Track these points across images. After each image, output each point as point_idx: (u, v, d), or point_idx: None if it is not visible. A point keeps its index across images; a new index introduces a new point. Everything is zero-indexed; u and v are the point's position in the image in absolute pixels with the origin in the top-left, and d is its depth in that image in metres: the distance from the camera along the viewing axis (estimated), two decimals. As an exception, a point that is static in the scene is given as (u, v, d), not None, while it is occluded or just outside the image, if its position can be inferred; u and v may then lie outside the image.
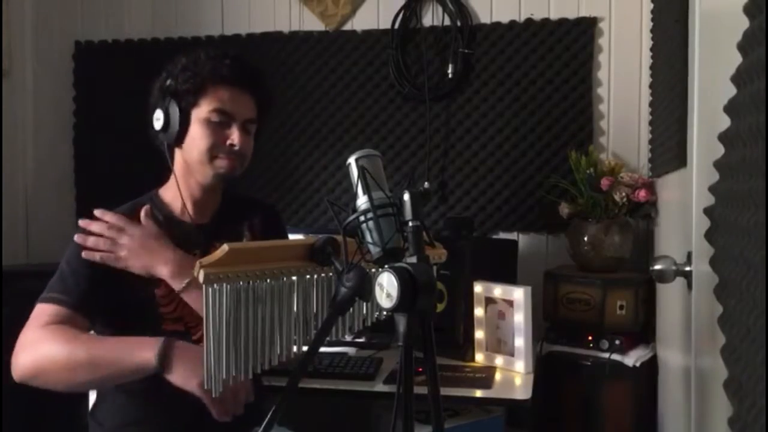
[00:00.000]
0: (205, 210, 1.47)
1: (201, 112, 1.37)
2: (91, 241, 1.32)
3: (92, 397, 1.51)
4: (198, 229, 1.44)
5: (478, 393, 1.73)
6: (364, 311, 1.17)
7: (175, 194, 1.44)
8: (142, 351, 1.19)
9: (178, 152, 1.43)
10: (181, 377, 1.17)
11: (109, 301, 1.33)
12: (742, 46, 0.73)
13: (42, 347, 1.23)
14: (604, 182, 2.04)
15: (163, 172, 1.47)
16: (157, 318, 1.35)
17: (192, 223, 1.44)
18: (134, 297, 1.34)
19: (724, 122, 0.81)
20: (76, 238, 1.34)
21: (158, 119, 1.38)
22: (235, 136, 1.38)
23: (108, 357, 1.21)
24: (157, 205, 1.45)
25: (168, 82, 1.38)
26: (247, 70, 1.43)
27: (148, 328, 1.31)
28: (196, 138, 1.38)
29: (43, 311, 1.30)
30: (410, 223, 0.92)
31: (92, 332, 1.34)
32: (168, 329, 1.34)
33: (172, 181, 1.46)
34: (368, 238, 0.93)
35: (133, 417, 1.36)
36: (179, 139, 1.38)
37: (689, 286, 1.25)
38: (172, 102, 1.36)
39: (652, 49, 2.08)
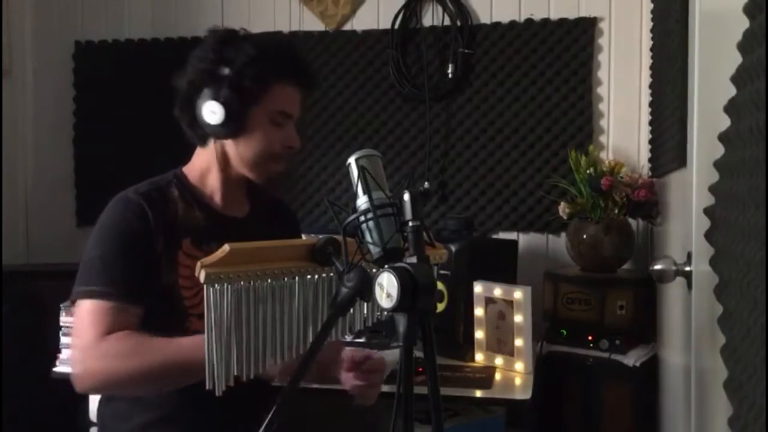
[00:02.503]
0: (233, 202, 1.41)
1: (265, 111, 1.30)
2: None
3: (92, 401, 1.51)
4: (239, 224, 1.38)
5: (478, 393, 1.73)
6: (365, 311, 1.17)
7: (200, 178, 1.38)
8: None
9: (221, 143, 1.34)
10: None
11: (147, 290, 1.27)
12: (742, 46, 0.73)
13: (108, 363, 1.18)
14: (604, 182, 2.04)
15: (183, 151, 1.41)
16: (182, 313, 1.29)
17: (229, 216, 1.38)
18: (159, 285, 1.28)
19: (724, 122, 0.81)
20: (108, 221, 1.28)
21: (214, 112, 1.26)
22: (294, 138, 1.35)
23: (179, 362, 1.15)
24: (185, 186, 1.37)
25: (227, 72, 1.26)
26: (309, 67, 1.39)
27: (173, 325, 1.26)
28: (257, 138, 1.31)
29: (94, 310, 1.22)
30: (410, 223, 0.91)
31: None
32: (192, 329, 1.26)
33: (195, 164, 1.39)
34: (368, 238, 0.93)
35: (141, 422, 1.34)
36: (235, 135, 1.31)
37: (689, 286, 1.25)
38: (233, 96, 1.25)
39: (652, 49, 2.08)
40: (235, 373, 0.98)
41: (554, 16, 2.35)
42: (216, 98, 1.26)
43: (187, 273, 1.29)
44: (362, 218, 0.94)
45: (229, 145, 1.34)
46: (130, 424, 1.33)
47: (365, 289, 0.93)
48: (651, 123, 2.07)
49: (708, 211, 0.95)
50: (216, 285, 0.95)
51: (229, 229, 1.33)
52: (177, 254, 1.30)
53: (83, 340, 1.21)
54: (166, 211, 1.32)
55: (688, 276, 1.25)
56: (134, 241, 1.26)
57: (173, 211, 1.33)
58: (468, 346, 1.97)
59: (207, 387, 0.95)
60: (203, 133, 1.33)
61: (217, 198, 1.38)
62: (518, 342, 1.86)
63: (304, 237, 1.63)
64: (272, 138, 1.33)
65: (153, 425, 1.32)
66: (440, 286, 1.97)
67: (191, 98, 1.30)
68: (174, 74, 1.33)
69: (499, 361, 1.91)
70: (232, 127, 1.28)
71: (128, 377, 1.18)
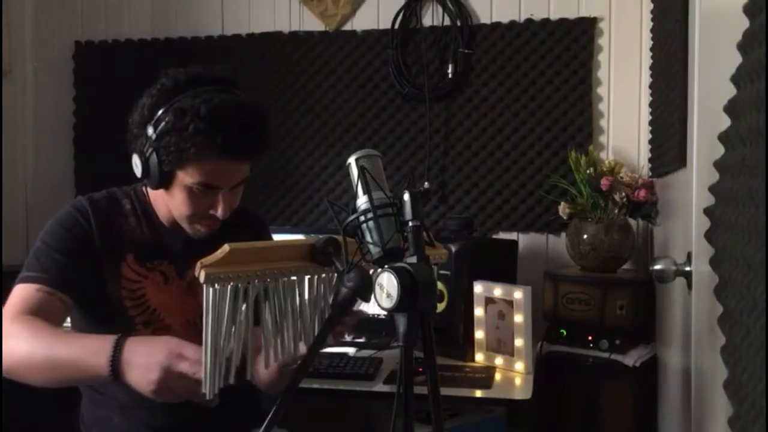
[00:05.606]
0: None
1: (184, 178, 1.22)
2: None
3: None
4: (189, 240, 1.33)
5: (478, 393, 1.73)
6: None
7: (155, 196, 1.35)
8: (96, 356, 1.03)
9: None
10: (134, 382, 1.01)
11: (84, 289, 1.25)
12: (742, 46, 0.73)
13: (9, 343, 1.10)
14: (604, 182, 2.04)
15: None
16: (128, 321, 1.28)
17: (179, 233, 1.33)
18: (104, 293, 1.27)
19: (724, 122, 0.81)
20: (54, 220, 1.28)
21: (137, 165, 1.23)
22: (219, 207, 1.25)
23: (64, 359, 1.06)
24: (140, 202, 1.36)
25: (151, 133, 1.20)
26: (246, 139, 1.21)
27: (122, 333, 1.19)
28: (177, 200, 1.26)
29: (20, 294, 1.19)
30: (410, 223, 0.91)
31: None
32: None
33: None
34: (368, 238, 0.93)
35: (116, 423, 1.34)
36: (158, 188, 1.27)
37: (689, 286, 1.25)
38: (153, 156, 1.20)
39: (652, 49, 2.08)
40: (234, 374, 0.98)
41: (554, 16, 2.35)
42: (139, 155, 1.23)
43: (130, 286, 1.30)
44: (362, 218, 0.94)
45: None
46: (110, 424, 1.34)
47: (365, 289, 0.93)
48: (651, 123, 2.07)
49: (708, 211, 0.95)
50: (216, 285, 0.95)
51: (177, 245, 1.34)
52: (121, 266, 1.30)
53: (3, 323, 1.14)
54: (111, 221, 1.31)
55: (688, 276, 1.25)
56: (74, 236, 1.26)
57: (119, 224, 1.32)
58: (468, 346, 1.97)
59: (203, 388, 0.95)
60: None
61: (170, 216, 1.34)
62: (518, 342, 1.86)
63: (304, 237, 1.62)
64: (194, 203, 1.26)
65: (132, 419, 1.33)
66: (440, 286, 1.97)
67: (131, 140, 1.27)
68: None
69: (499, 361, 1.91)
70: (152, 184, 1.26)
71: (20, 360, 1.09)
